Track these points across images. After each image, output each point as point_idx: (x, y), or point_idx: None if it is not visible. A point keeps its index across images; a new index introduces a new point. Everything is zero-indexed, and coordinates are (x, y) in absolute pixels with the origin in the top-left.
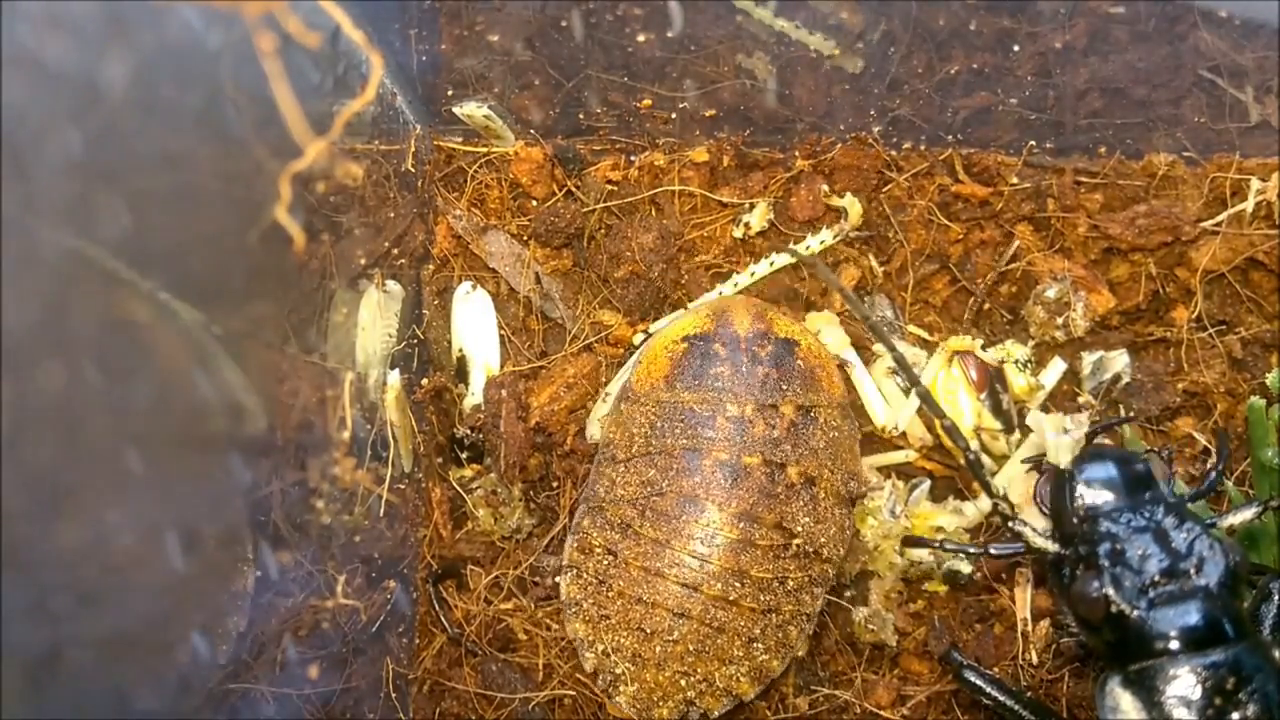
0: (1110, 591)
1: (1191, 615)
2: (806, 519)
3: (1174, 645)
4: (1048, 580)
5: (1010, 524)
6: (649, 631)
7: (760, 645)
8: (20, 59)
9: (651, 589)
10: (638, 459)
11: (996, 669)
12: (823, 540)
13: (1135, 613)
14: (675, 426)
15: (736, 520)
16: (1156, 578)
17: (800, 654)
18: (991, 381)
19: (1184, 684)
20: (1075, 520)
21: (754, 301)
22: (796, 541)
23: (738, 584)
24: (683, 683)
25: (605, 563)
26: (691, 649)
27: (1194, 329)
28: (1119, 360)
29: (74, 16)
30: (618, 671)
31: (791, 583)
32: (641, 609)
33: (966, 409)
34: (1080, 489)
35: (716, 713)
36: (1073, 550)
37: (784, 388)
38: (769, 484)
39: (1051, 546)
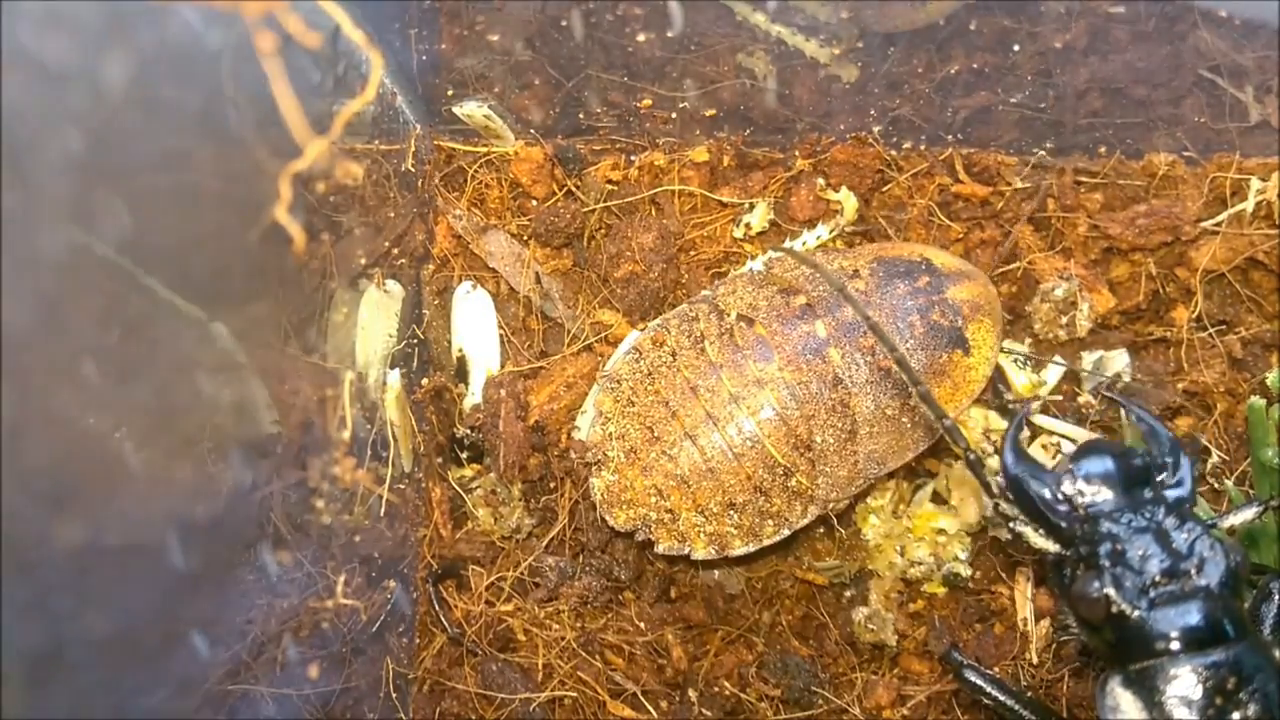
0: (1111, 592)
1: (1192, 615)
2: (831, 442)
3: (1175, 645)
4: (1048, 580)
5: (1011, 524)
6: (656, 437)
7: (734, 515)
8: (20, 59)
9: (681, 402)
10: (772, 285)
11: (996, 669)
12: (828, 470)
13: (1136, 613)
14: (819, 285)
15: (786, 389)
16: (1157, 578)
17: (753, 549)
18: (994, 382)
19: (1185, 684)
20: (1074, 520)
21: (994, 303)
22: (813, 453)
23: (750, 446)
24: (652, 499)
25: (663, 360)
26: (679, 474)
27: (1194, 329)
28: (1119, 360)
29: (74, 16)
30: (610, 455)
31: (793, 482)
32: (663, 414)
33: (973, 413)
34: (1079, 484)
35: (660, 547)
36: (1073, 550)
37: (910, 345)
38: (830, 386)
39: (1052, 547)
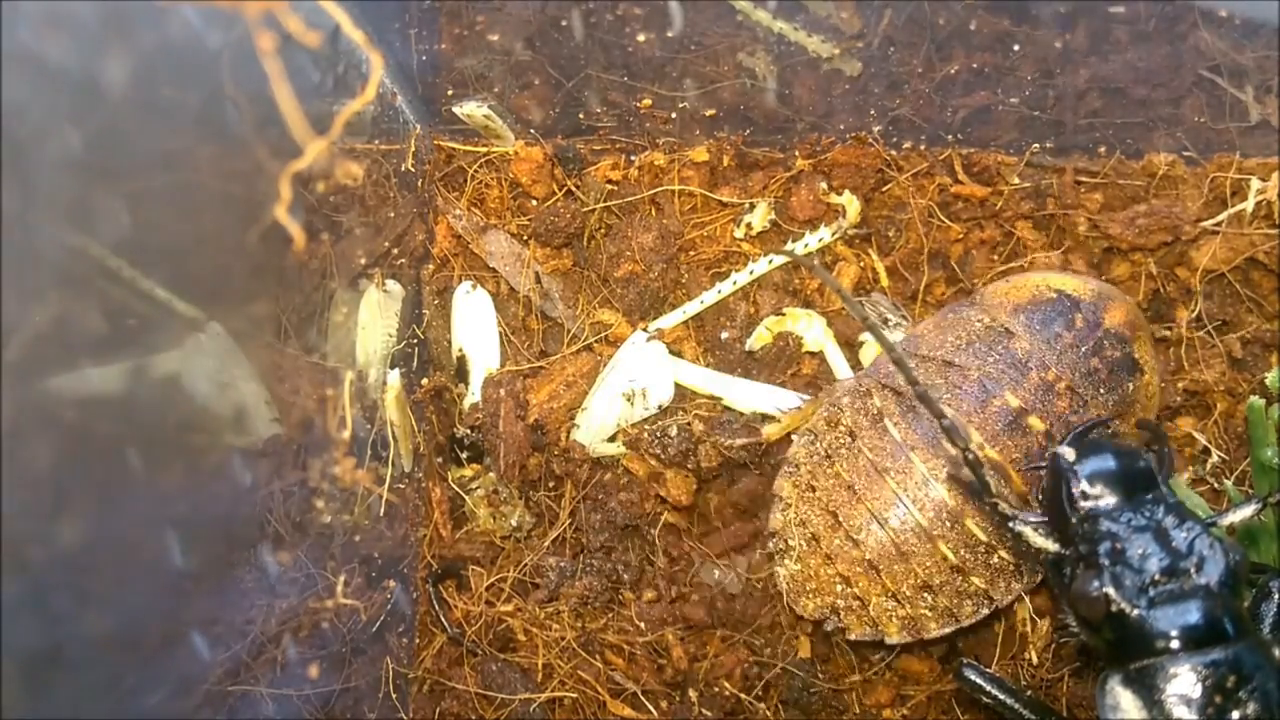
0: (1110, 590)
1: (1192, 614)
2: None
3: (1174, 644)
4: (1048, 579)
5: (1010, 524)
6: (840, 523)
7: (929, 598)
8: (20, 59)
9: (867, 485)
10: (936, 360)
11: (996, 669)
12: None
13: (1135, 611)
14: (992, 352)
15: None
16: (1157, 576)
17: (956, 631)
18: None
19: (1184, 682)
20: (1075, 518)
21: (1137, 309)
22: None
23: (948, 524)
24: (839, 588)
25: (842, 441)
26: (867, 560)
27: (1194, 328)
28: None
29: (74, 16)
30: (792, 544)
31: (996, 560)
32: (848, 498)
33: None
34: (1081, 484)
35: (854, 635)
36: (1073, 549)
37: (1102, 393)
38: (1037, 455)
39: (1052, 546)
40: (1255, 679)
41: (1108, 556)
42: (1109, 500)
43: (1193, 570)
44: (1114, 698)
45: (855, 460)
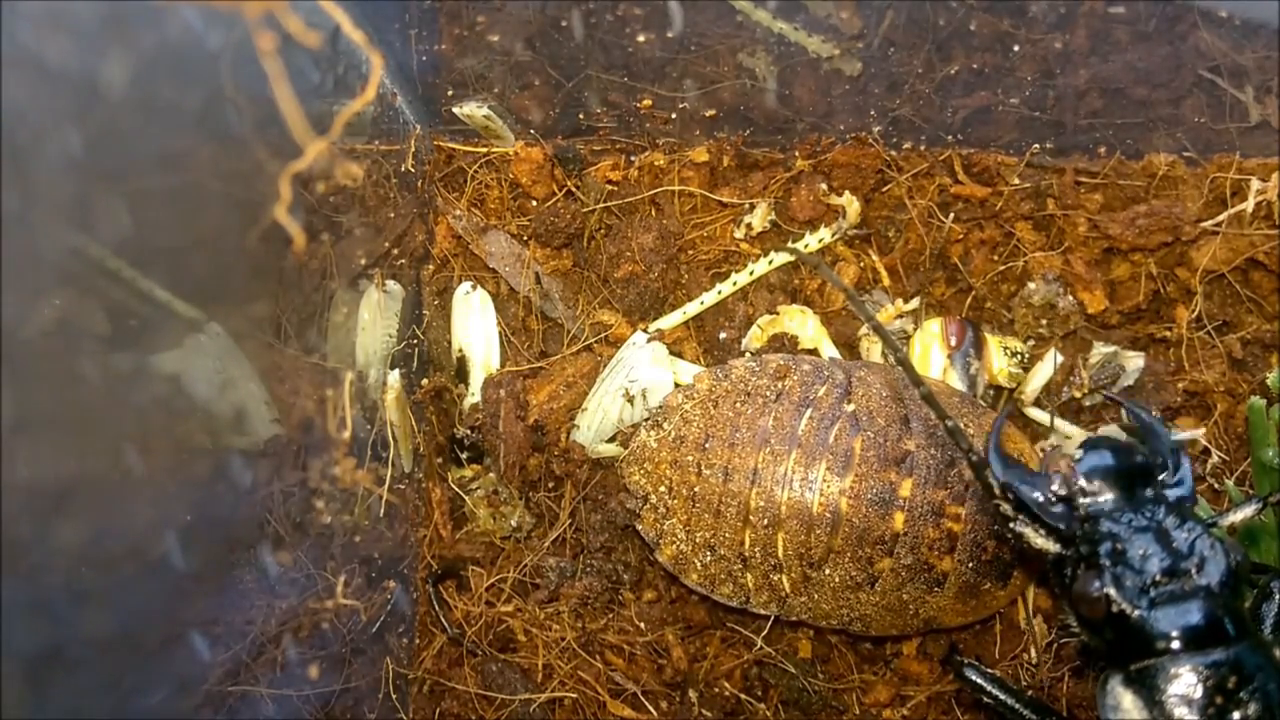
0: (1111, 591)
1: (1193, 614)
2: (835, 582)
3: (1175, 644)
4: (1049, 580)
5: (1011, 524)
6: (705, 450)
7: (707, 557)
8: (20, 59)
9: (747, 437)
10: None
11: (997, 669)
12: (814, 597)
13: (1136, 612)
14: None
15: (842, 509)
16: (1158, 577)
17: (703, 594)
18: (968, 345)
19: (1185, 682)
20: (1074, 519)
21: None
22: (812, 578)
23: (765, 524)
24: (662, 488)
25: (761, 388)
26: (694, 490)
27: (1194, 329)
28: (1134, 362)
29: (74, 16)
30: (666, 427)
31: (775, 578)
32: (724, 434)
33: (935, 363)
34: (1081, 482)
35: (639, 527)
36: (1074, 550)
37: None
38: (873, 542)
39: (1052, 547)
40: (1256, 679)
41: (1108, 557)
42: (1108, 498)
43: (1194, 571)
44: (1115, 698)
45: (755, 414)
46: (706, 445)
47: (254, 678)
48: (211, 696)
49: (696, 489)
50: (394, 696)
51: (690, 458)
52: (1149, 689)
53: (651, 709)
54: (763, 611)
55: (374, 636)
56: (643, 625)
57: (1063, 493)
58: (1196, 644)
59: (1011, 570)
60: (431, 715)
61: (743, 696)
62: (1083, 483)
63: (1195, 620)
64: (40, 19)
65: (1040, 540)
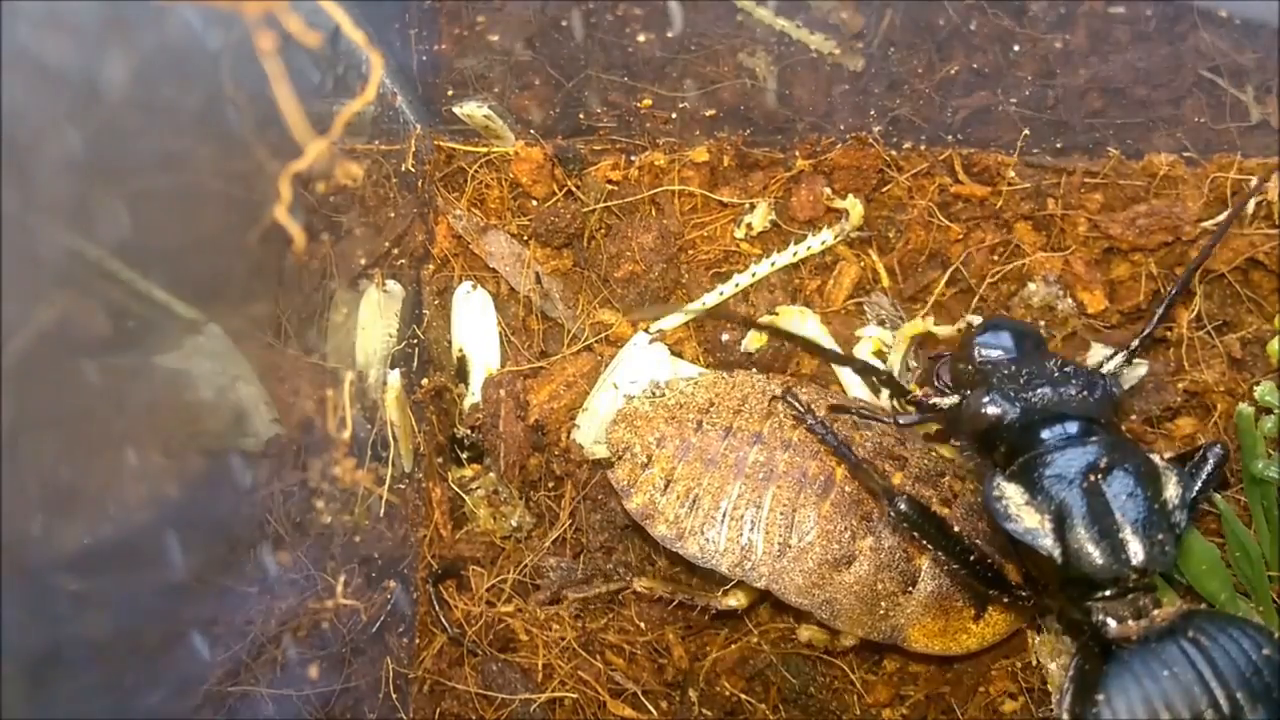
0: (996, 400)
1: (1069, 420)
2: (814, 558)
3: (1053, 440)
4: (946, 430)
5: (908, 397)
6: (707, 411)
7: (686, 508)
8: (20, 59)
9: (722, 459)
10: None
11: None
12: (789, 571)
13: (1020, 419)
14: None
15: (826, 507)
16: (1040, 391)
17: (668, 546)
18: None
19: (1061, 465)
20: (972, 371)
21: None
22: (790, 551)
23: (759, 480)
24: (650, 438)
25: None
26: (691, 442)
27: (1194, 329)
28: (1139, 369)
29: (74, 16)
30: (659, 391)
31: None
32: (732, 406)
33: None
34: (978, 350)
35: (613, 475)
36: (967, 393)
37: None
38: (852, 535)
39: (950, 400)
40: (1124, 458)
41: (996, 378)
42: (1003, 354)
43: (1072, 388)
44: (1000, 490)
45: (746, 398)
46: (710, 409)
47: (254, 678)
48: (211, 696)
49: (693, 439)
50: (394, 696)
51: (691, 416)
52: (1030, 478)
53: (651, 709)
54: (725, 573)
55: (374, 636)
56: (643, 625)
57: (972, 356)
58: (1071, 440)
59: (986, 604)
60: (431, 715)
61: (743, 696)
62: (979, 349)
63: (1071, 424)
64: (40, 19)
65: (938, 399)
